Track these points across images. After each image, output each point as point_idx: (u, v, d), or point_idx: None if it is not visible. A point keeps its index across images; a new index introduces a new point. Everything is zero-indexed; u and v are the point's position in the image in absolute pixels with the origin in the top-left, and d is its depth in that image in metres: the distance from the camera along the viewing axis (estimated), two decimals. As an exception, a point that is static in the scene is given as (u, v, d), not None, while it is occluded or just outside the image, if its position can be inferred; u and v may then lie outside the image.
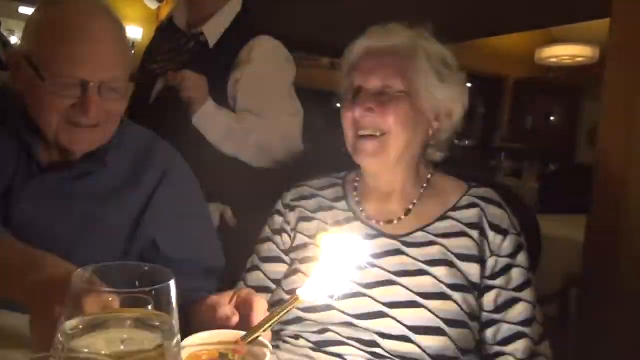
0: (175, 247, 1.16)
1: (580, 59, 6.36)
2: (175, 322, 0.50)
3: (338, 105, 1.18)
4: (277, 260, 1.18)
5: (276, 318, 0.70)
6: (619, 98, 1.62)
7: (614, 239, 1.56)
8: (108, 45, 1.06)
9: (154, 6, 5.38)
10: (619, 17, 1.63)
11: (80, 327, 0.48)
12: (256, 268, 1.19)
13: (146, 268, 0.53)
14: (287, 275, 1.14)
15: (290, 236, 1.19)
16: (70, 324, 0.48)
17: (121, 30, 1.12)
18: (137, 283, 0.50)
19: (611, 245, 1.57)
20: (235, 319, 0.85)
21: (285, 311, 0.70)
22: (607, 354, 1.52)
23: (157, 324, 0.50)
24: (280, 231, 1.20)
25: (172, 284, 0.51)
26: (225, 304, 0.88)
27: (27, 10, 6.58)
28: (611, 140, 1.63)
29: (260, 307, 0.87)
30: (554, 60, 6.55)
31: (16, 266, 0.86)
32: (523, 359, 1.01)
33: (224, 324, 0.84)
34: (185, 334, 0.89)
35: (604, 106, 1.66)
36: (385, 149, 1.08)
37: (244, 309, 0.87)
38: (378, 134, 1.08)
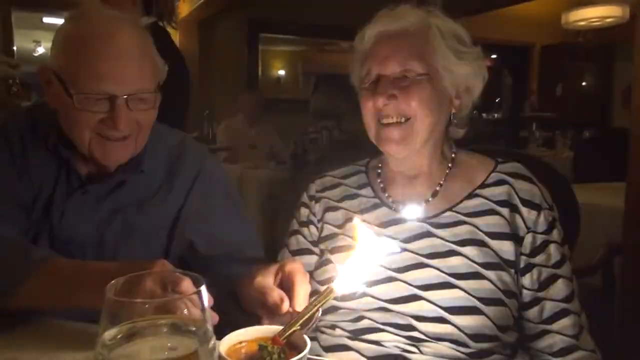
0: (213, 246, 1.18)
1: (609, 20, 6.09)
2: (210, 326, 0.51)
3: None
4: (307, 252, 1.18)
5: (311, 312, 0.70)
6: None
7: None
8: (133, 58, 1.06)
9: (171, 5, 5.41)
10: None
11: (119, 336, 0.49)
12: None
13: (177, 274, 0.54)
14: (318, 266, 1.15)
15: (317, 227, 1.19)
16: (108, 334, 0.49)
17: (147, 40, 1.11)
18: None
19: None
20: (285, 306, 0.85)
21: (320, 304, 0.70)
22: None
23: (193, 328, 0.50)
24: (307, 223, 1.21)
25: (204, 289, 0.51)
26: (272, 288, 0.89)
27: (51, 20, 6.73)
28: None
29: (301, 289, 0.87)
30: (582, 23, 6.31)
31: (76, 284, 0.93)
32: (574, 334, 1.00)
33: (274, 311, 0.85)
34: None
35: (635, 67, 1.60)
36: (411, 135, 1.07)
37: (287, 285, 0.89)
38: (403, 120, 1.06)
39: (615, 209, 2.11)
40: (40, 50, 9.20)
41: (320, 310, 0.71)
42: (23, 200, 1.11)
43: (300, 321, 0.69)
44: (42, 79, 1.11)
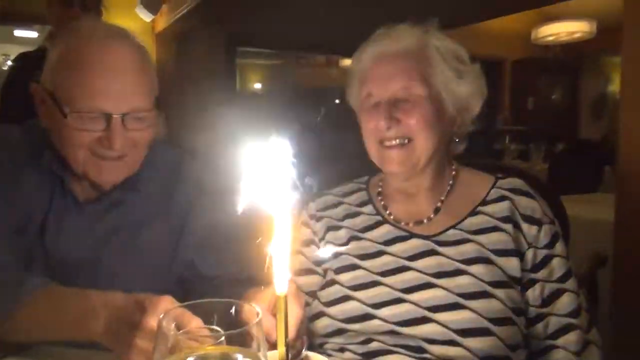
0: (214, 265, 1.16)
1: (577, 35, 6.32)
2: (264, 357, 0.50)
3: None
4: (309, 272, 1.16)
5: (283, 327, 0.64)
6: (638, 70, 1.58)
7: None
8: (129, 75, 1.03)
9: (148, 18, 5.38)
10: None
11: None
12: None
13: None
14: (324, 286, 1.12)
15: (318, 247, 1.17)
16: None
17: (143, 57, 1.08)
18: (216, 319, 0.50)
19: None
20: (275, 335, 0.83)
21: (284, 313, 0.64)
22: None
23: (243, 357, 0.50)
24: (308, 242, 1.18)
25: (259, 320, 0.51)
26: (265, 314, 0.86)
27: (22, 34, 6.59)
28: (633, 114, 1.60)
29: (290, 316, 0.83)
30: (551, 38, 6.52)
31: (75, 315, 0.88)
32: (577, 351, 0.99)
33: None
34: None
35: (622, 83, 1.64)
36: (414, 155, 1.07)
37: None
38: (405, 141, 1.06)
39: (596, 220, 2.14)
40: (9, 63, 8.98)
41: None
42: (16, 222, 1.07)
43: (284, 342, 0.64)
44: (36, 99, 1.07)
